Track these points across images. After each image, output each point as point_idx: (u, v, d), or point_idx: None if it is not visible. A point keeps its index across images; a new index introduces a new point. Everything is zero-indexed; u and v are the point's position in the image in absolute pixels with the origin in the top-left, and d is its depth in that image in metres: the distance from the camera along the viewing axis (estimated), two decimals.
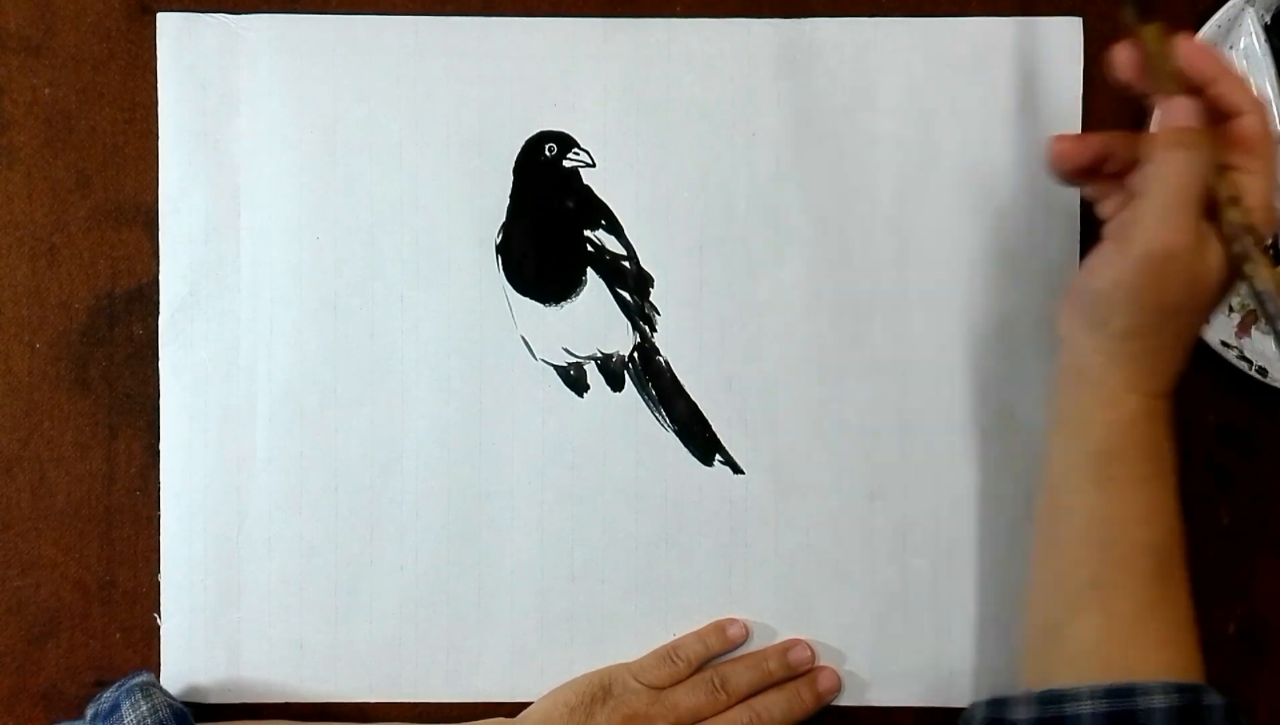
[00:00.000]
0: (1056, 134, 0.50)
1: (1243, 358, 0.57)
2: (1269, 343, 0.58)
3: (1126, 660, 0.47)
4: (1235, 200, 0.46)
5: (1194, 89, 0.47)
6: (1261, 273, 0.46)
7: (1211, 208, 0.46)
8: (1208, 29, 0.56)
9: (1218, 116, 0.47)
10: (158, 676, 0.58)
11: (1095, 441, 0.48)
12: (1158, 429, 0.49)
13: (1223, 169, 0.46)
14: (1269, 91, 0.57)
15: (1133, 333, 0.47)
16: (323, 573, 0.59)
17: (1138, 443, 0.48)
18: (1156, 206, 0.45)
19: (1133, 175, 0.48)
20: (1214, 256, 0.46)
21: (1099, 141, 0.49)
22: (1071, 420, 0.49)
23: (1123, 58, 0.48)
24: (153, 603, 0.59)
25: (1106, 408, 0.48)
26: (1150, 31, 0.47)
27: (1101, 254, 0.47)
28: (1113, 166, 0.49)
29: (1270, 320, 0.46)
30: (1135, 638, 0.47)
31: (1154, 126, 0.46)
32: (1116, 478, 0.48)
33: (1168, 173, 0.45)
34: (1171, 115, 0.46)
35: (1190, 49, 0.47)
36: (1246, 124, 0.46)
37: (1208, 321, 0.50)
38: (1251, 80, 0.57)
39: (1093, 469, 0.48)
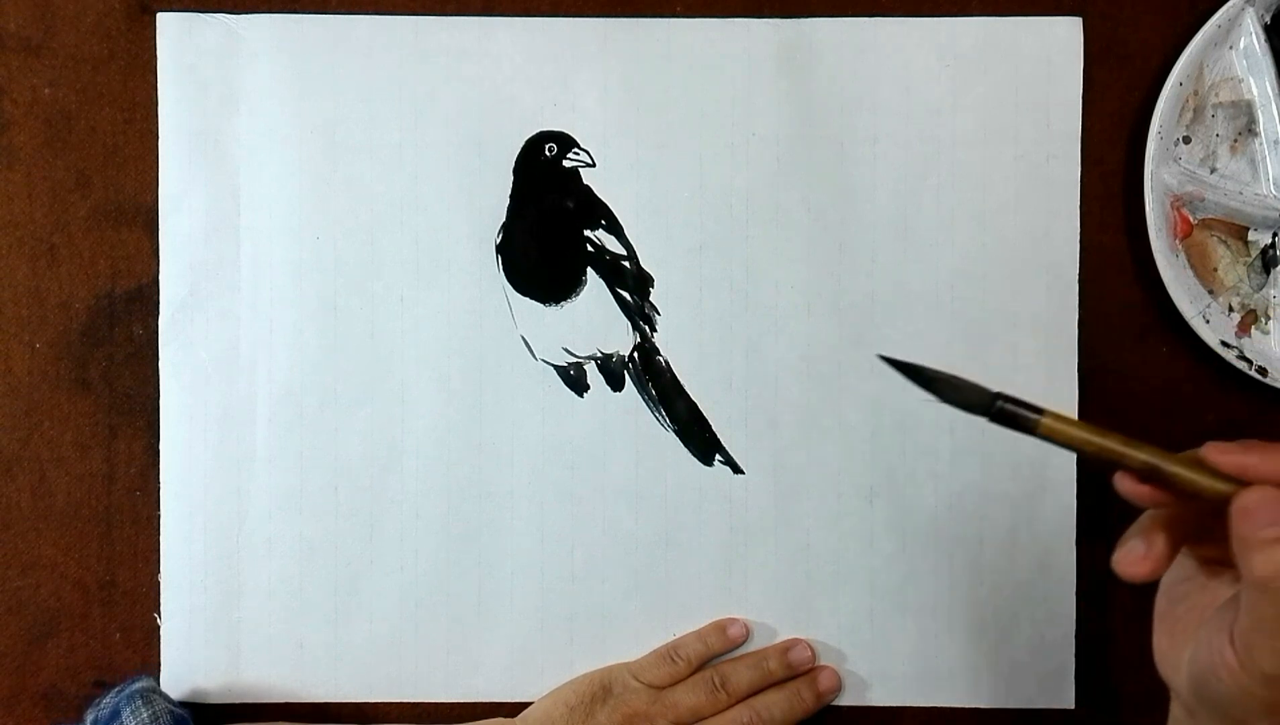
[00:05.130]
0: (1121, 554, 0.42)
1: (1243, 358, 0.57)
2: (1269, 343, 0.58)
3: None
4: None
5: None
6: None
7: None
8: (1208, 29, 0.56)
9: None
10: (158, 676, 0.58)
11: None
12: None
13: None
14: (1269, 91, 0.57)
15: None
16: (323, 573, 0.59)
17: None
18: (1273, 633, 0.38)
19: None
20: None
21: (1161, 538, 0.42)
22: None
23: (1128, 487, 0.41)
24: (153, 603, 0.59)
25: None
26: (1054, 424, 0.40)
27: (1219, 654, 0.40)
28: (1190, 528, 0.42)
29: None
30: None
31: (1241, 527, 0.38)
32: None
33: (1274, 600, 0.37)
34: (1263, 519, 0.38)
35: (1228, 459, 0.39)
36: None
37: None
38: (1250, 80, 0.57)
39: None
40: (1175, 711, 0.44)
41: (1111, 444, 0.40)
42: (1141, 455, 0.40)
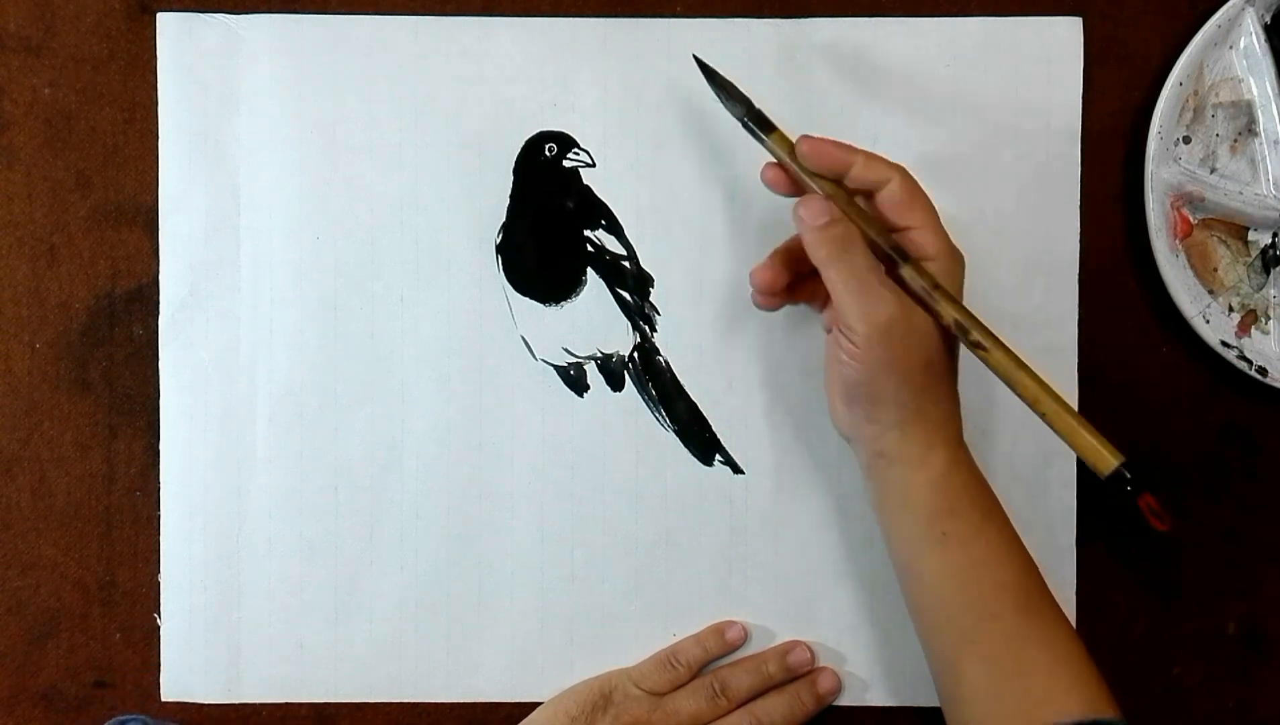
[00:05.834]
0: (752, 273, 0.53)
1: (1243, 358, 0.57)
2: (1269, 343, 0.58)
3: (1022, 700, 0.49)
4: (904, 255, 0.50)
5: (838, 178, 0.51)
6: (945, 310, 0.49)
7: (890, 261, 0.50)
8: (1208, 29, 0.56)
9: (869, 190, 0.51)
10: (158, 677, 0.58)
11: (921, 508, 0.50)
12: (971, 473, 0.51)
13: (889, 231, 0.50)
14: (1269, 91, 0.57)
15: (905, 401, 0.49)
16: (323, 573, 0.59)
17: (959, 493, 0.50)
18: (847, 299, 0.48)
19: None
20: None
21: (779, 257, 0.53)
22: (892, 500, 0.52)
23: (770, 176, 0.52)
24: (153, 603, 0.59)
25: (918, 472, 0.50)
26: (776, 141, 0.52)
27: (834, 355, 0.51)
28: (805, 268, 0.52)
29: (972, 347, 0.50)
30: (1022, 675, 0.49)
31: (801, 228, 0.50)
32: (951, 533, 0.50)
33: (836, 270, 0.49)
34: (811, 215, 0.49)
35: (811, 148, 0.50)
36: (891, 191, 0.50)
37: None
38: (1250, 80, 0.57)
39: (928, 533, 0.50)
40: (860, 462, 0.53)
41: (780, 152, 0.52)
42: (780, 151, 0.52)
